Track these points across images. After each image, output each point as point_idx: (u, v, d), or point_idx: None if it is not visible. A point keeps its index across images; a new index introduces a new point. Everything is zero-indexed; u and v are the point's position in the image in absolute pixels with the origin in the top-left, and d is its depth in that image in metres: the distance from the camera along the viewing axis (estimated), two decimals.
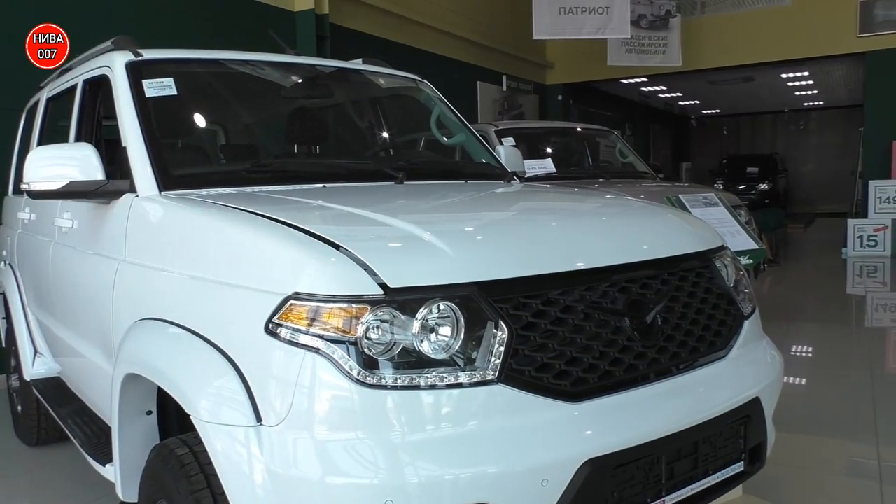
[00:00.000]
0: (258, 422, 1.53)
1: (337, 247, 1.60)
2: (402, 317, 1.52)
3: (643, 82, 16.39)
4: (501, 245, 1.74)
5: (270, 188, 2.38)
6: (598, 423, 1.59)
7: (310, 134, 3.06)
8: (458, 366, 1.52)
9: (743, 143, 25.00)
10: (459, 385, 1.50)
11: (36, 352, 3.64)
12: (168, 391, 1.75)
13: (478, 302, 1.56)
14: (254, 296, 1.62)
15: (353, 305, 1.50)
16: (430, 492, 1.42)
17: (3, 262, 4.07)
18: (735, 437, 1.86)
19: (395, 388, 1.47)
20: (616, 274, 1.79)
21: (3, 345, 4.30)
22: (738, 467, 1.87)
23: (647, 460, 1.64)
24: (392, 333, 1.51)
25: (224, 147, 3.19)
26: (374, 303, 1.51)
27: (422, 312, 1.52)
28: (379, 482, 1.42)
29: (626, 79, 14.81)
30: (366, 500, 1.41)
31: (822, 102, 22.15)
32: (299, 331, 1.51)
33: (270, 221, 1.76)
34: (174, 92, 2.56)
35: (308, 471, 1.45)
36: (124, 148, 2.41)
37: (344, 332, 1.49)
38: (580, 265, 1.75)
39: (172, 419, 2.20)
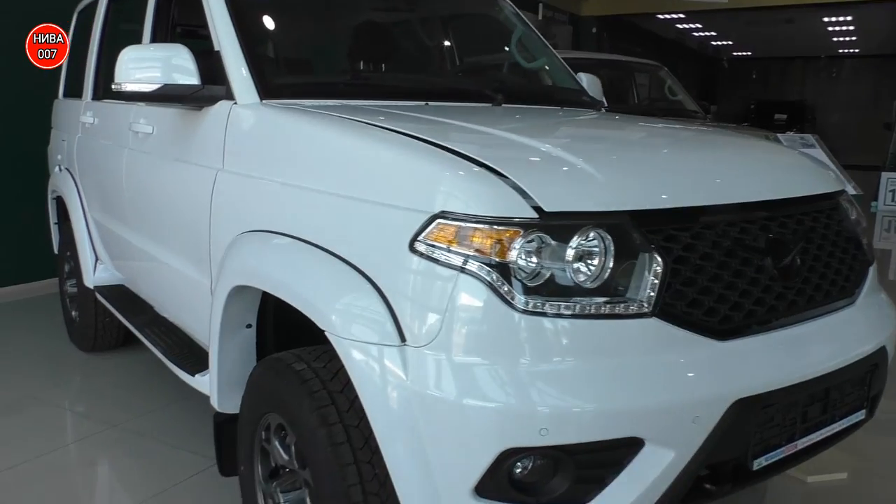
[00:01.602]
0: (402, 341, 1.48)
1: (484, 166, 1.53)
2: (554, 243, 1.45)
3: (680, 19, 15.89)
4: (650, 174, 1.66)
5: (371, 103, 2.28)
6: (746, 362, 1.55)
7: (397, 50, 2.93)
8: (611, 297, 1.47)
9: (771, 89, 24.42)
10: (616, 315, 1.45)
11: (97, 259, 3.61)
12: (296, 305, 1.70)
13: (630, 231, 1.50)
14: (393, 213, 1.55)
15: (507, 228, 1.44)
16: (584, 422, 1.39)
17: (58, 167, 4.00)
18: (861, 384, 1.82)
19: (551, 315, 1.42)
20: (758, 211, 1.72)
21: (56, 251, 4.28)
22: (860, 415, 1.84)
23: (788, 403, 1.61)
24: (543, 259, 1.45)
25: (316, 57, 3.07)
26: (527, 226, 1.44)
27: (575, 239, 1.46)
28: (533, 409, 1.38)
29: (663, 14, 14.34)
30: (520, 427, 1.38)
31: (857, 50, 21.54)
32: (449, 251, 1.45)
33: (408, 138, 1.68)
34: None
35: (456, 393, 1.42)
36: (216, 52, 2.30)
37: (497, 255, 1.43)
38: (726, 199, 1.68)
39: (269, 333, 2.18)
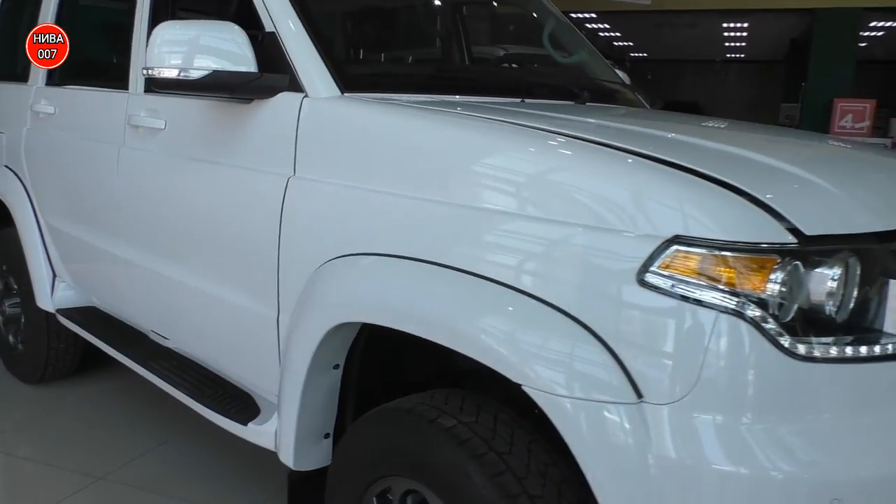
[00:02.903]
0: (638, 397, 1.20)
1: (721, 183, 1.26)
2: (812, 271, 1.21)
3: (591, 19, 16.17)
4: (883, 191, 1.45)
5: (463, 98, 1.96)
6: None
7: (464, 40, 2.60)
8: (863, 332, 1.25)
9: (665, 90, 25.47)
10: (888, 357, 1.23)
11: (55, 275, 3.05)
12: (467, 352, 1.37)
13: (882, 256, 1.28)
14: (609, 239, 1.25)
15: (762, 256, 1.18)
16: (886, 488, 1.16)
17: None
18: None
19: (827, 359, 1.18)
20: None
21: None
22: None
23: None
24: (798, 292, 1.21)
25: (387, 45, 2.67)
26: (785, 253, 1.19)
27: (837, 268, 1.22)
28: (822, 476, 1.14)
29: (577, 13, 14.52)
30: (804, 498, 1.14)
31: (743, 55, 22.81)
32: (700, 285, 1.18)
33: (614, 150, 1.38)
34: None
35: (727, 461, 1.15)
36: (270, 35, 1.90)
37: (755, 287, 1.18)
38: None
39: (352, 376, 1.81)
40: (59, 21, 2.99)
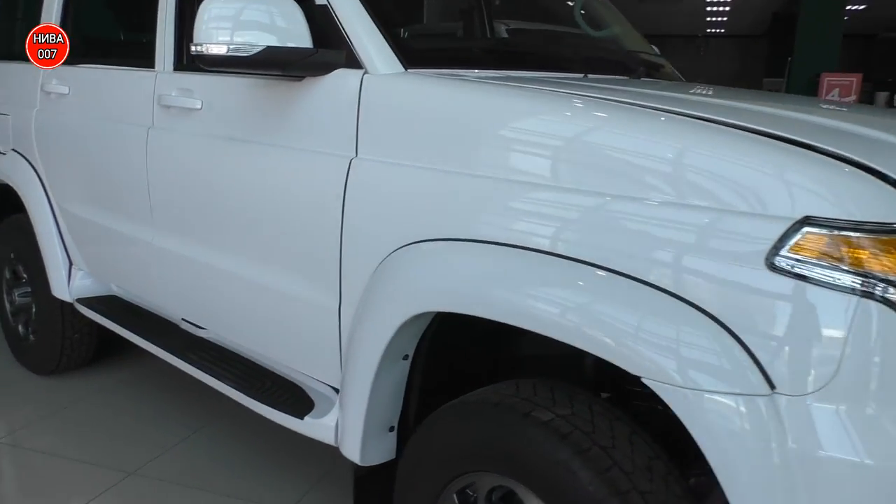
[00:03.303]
0: (771, 388, 1.14)
1: (847, 160, 1.20)
2: None
3: None
4: None
5: (526, 73, 1.87)
6: None
7: (519, 11, 2.50)
8: None
9: None
10: None
11: (71, 264, 2.93)
12: (577, 344, 1.29)
13: None
14: (730, 221, 1.18)
15: None
16: None
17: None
18: None
19: None
20: None
21: None
22: None
23: None
24: None
25: (441, 15, 2.56)
26: None
27: None
28: None
29: None
30: None
31: (723, 31, 22.80)
32: (838, 268, 1.11)
33: (724, 126, 1.31)
34: None
35: (860, 452, 1.09)
36: (321, 8, 1.79)
37: (891, 269, 1.12)
38: None
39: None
40: None
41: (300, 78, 1.82)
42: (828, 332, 1.12)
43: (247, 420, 2.16)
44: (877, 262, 1.11)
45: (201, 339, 2.39)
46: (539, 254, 1.37)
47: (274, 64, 1.74)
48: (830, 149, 1.22)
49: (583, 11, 2.63)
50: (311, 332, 1.87)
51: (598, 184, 1.32)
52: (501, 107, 1.52)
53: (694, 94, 1.86)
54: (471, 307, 1.45)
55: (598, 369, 1.62)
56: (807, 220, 1.13)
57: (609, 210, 1.30)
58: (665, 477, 1.31)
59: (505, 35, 2.36)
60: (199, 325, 2.41)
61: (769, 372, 1.14)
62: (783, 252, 1.14)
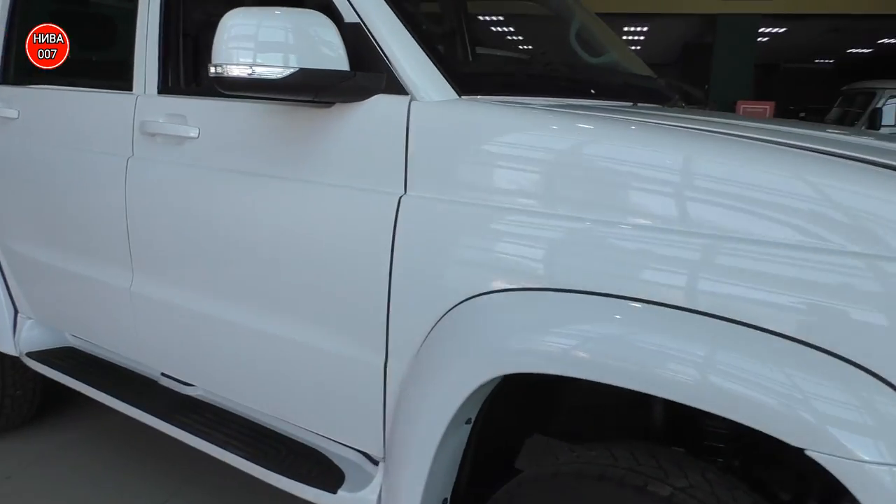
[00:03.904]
0: None
1: None
2: None
3: (497, 21, 16.25)
4: None
5: (579, 101, 1.72)
6: None
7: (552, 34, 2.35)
8: None
9: None
10: None
11: (16, 312, 2.56)
12: (719, 411, 1.13)
13: None
14: (884, 266, 1.06)
15: None
16: None
17: None
18: None
19: None
20: None
21: None
22: None
23: None
24: None
25: (477, 39, 2.35)
26: None
27: None
28: None
29: (483, 15, 14.52)
30: None
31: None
32: None
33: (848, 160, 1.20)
34: None
35: None
36: (353, 27, 1.59)
37: None
38: None
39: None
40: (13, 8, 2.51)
41: (329, 104, 1.61)
42: None
43: (226, 485, 1.87)
44: None
45: (189, 397, 2.10)
46: (646, 304, 1.21)
47: (308, 88, 1.52)
48: None
49: (583, 36, 2.53)
50: (345, 392, 1.64)
51: (751, 229, 1.16)
52: (604, 144, 1.35)
53: (775, 124, 1.74)
54: (562, 367, 1.26)
55: (666, 421, 1.47)
56: None
57: (750, 257, 1.15)
58: None
59: (544, 62, 2.21)
60: (188, 381, 2.12)
61: None
62: None
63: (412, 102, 1.51)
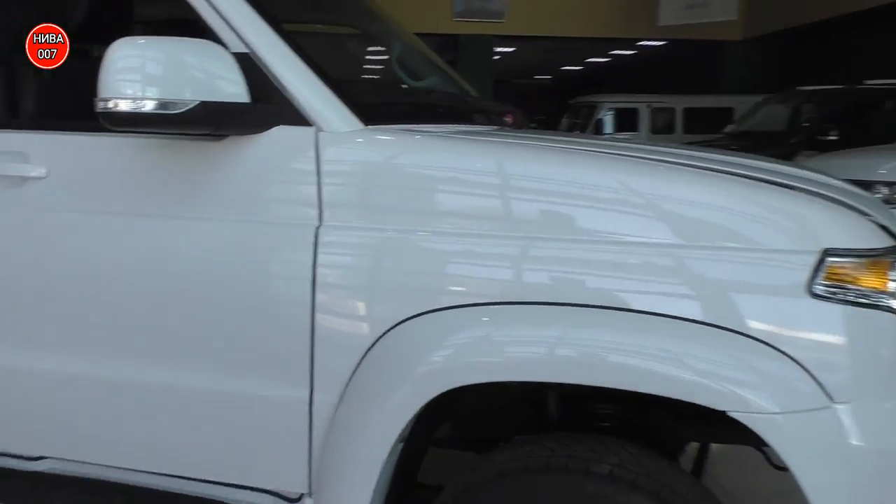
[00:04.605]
0: (832, 401, 1.30)
1: (833, 201, 1.46)
2: None
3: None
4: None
5: (463, 127, 1.83)
6: None
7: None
8: None
9: None
10: None
11: None
12: (657, 391, 1.32)
13: None
14: (766, 257, 1.34)
15: (888, 256, 1.38)
16: None
17: None
18: None
19: None
20: None
21: None
22: None
23: None
24: None
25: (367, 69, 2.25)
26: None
27: None
28: None
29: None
30: None
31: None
32: (855, 290, 1.33)
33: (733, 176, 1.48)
34: None
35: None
36: (243, 57, 1.55)
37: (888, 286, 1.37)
38: None
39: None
40: None
41: (220, 137, 1.55)
42: (869, 344, 1.33)
43: None
44: (883, 281, 1.35)
45: (41, 474, 1.84)
46: (575, 308, 1.38)
47: (208, 122, 1.46)
48: (817, 191, 1.45)
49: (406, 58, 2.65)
50: (263, 432, 1.58)
51: (661, 236, 1.38)
52: (514, 167, 1.50)
53: (633, 144, 2.02)
54: (529, 373, 1.39)
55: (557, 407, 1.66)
56: (829, 252, 1.33)
57: (652, 258, 1.37)
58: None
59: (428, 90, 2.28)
60: (33, 454, 1.86)
61: (827, 387, 1.30)
62: (818, 280, 1.32)
63: (319, 133, 1.52)
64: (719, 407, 1.30)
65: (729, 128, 9.13)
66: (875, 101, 7.64)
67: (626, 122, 11.93)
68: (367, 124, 1.56)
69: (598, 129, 11.46)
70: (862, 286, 1.34)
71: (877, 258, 1.36)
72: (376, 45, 2.88)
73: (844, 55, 11.16)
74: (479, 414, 1.76)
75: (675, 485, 1.36)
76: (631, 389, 1.34)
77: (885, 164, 4.45)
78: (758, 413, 1.28)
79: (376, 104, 1.70)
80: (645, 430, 1.63)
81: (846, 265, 1.33)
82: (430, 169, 1.52)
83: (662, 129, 11.68)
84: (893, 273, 1.36)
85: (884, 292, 1.35)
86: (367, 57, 2.36)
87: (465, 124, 1.93)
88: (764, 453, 1.52)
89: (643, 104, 12.08)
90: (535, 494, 1.39)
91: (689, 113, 11.77)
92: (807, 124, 7.70)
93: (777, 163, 2.00)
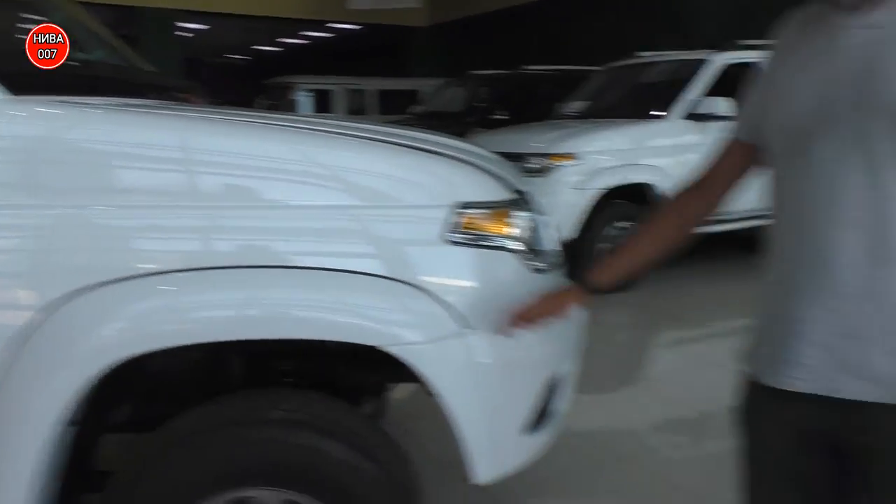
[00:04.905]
0: (467, 327, 1.55)
1: (463, 161, 1.72)
2: (523, 214, 1.76)
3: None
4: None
5: (124, 100, 1.78)
6: None
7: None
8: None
9: None
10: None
11: None
12: (324, 336, 1.48)
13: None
14: (412, 212, 1.57)
15: (507, 208, 1.69)
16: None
17: None
18: None
19: (548, 270, 1.77)
20: None
21: None
22: None
23: None
24: (525, 228, 1.71)
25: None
26: (514, 204, 1.72)
27: (526, 211, 1.81)
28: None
29: None
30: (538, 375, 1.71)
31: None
32: (482, 235, 1.61)
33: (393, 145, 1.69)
34: None
35: (512, 354, 1.60)
36: None
37: (512, 230, 1.67)
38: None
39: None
40: None
41: None
42: (481, 278, 1.61)
43: None
44: (502, 227, 1.65)
45: None
46: (240, 269, 1.49)
47: None
48: (461, 157, 1.72)
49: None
50: None
51: (309, 197, 1.53)
52: (176, 139, 1.54)
53: (312, 119, 2.11)
54: (181, 337, 1.46)
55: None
56: (466, 205, 1.59)
57: (326, 218, 1.53)
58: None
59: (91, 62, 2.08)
60: None
61: (462, 316, 1.56)
62: (453, 229, 1.57)
63: None
64: (377, 343, 1.49)
65: (418, 109, 9.78)
66: (532, 84, 8.74)
67: (320, 103, 12.15)
68: (15, 94, 1.47)
69: (292, 110, 11.50)
70: (488, 231, 1.62)
71: (499, 209, 1.66)
72: (30, 14, 2.60)
73: (511, 43, 12.61)
74: (160, 392, 1.77)
75: (343, 420, 1.55)
76: (291, 338, 1.48)
77: (534, 139, 5.20)
78: (407, 344, 1.50)
79: (26, 73, 1.60)
80: (331, 383, 1.79)
81: (476, 216, 1.60)
82: (75, 142, 1.49)
83: (356, 110, 12.11)
84: (510, 220, 1.67)
85: (503, 236, 1.65)
86: (19, 26, 2.13)
87: (135, 98, 1.88)
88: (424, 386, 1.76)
89: (337, 86, 12.40)
90: (220, 449, 1.47)
91: (381, 95, 12.34)
92: (480, 104, 8.56)
93: (441, 136, 2.28)
